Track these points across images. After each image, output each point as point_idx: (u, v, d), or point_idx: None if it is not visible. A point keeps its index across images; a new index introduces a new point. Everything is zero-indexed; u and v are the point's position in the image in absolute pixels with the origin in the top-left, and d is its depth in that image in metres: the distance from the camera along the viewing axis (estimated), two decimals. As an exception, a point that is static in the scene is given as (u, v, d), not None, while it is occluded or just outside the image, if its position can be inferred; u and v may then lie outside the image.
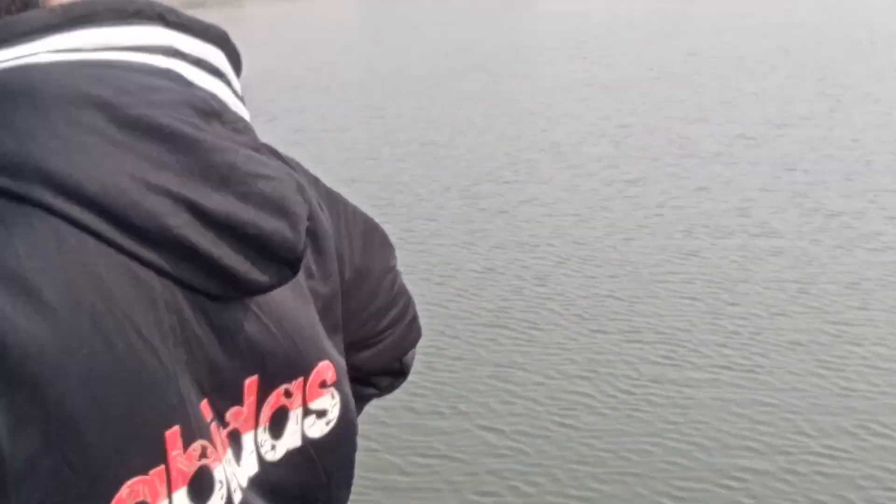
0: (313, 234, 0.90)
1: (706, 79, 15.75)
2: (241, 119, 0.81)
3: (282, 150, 0.92)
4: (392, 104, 15.31)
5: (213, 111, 0.77)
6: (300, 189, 0.81)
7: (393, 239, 1.18)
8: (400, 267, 1.19)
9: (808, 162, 10.54)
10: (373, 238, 1.08)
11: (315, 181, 0.99)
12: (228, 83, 0.82)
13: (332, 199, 1.02)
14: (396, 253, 1.17)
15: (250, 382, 0.82)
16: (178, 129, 0.73)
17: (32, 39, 0.72)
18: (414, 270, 7.64)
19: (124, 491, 0.71)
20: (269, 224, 0.76)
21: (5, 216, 0.68)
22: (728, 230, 8.55)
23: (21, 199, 0.68)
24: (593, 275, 7.71)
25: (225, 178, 0.74)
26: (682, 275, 7.61)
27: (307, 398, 0.89)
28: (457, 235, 8.80)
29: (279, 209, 0.77)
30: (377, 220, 1.14)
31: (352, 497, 1.01)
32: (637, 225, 8.84)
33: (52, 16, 0.73)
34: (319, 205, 0.95)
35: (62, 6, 0.75)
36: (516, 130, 13.05)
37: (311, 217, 0.87)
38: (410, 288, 1.20)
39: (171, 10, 0.78)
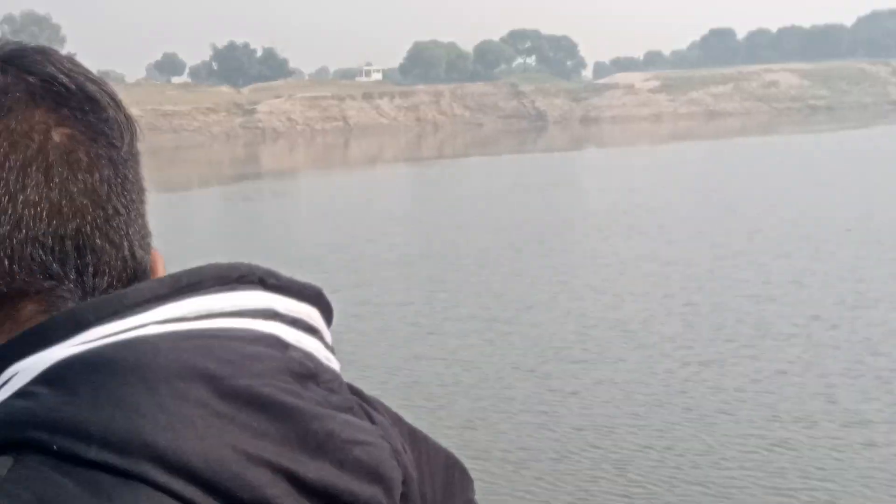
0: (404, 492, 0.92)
1: (771, 257, 15.56)
2: (335, 377, 0.84)
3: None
4: (452, 277, 15.26)
5: (309, 373, 0.80)
6: (395, 453, 0.84)
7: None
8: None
9: (890, 346, 10.20)
10: (453, 474, 1.08)
11: (398, 420, 1.01)
12: (321, 338, 0.86)
13: (414, 437, 1.04)
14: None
15: None
16: (278, 399, 0.75)
17: (142, 311, 0.75)
18: (489, 455, 7.29)
19: None
20: (365, 491, 0.78)
21: (112, 493, 0.69)
22: (815, 418, 8.18)
23: (127, 474, 0.69)
24: (677, 464, 7.35)
25: (322, 445, 0.76)
26: (772, 465, 7.24)
27: None
28: (529, 418, 8.48)
29: (375, 476, 0.79)
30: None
31: None
32: (717, 410, 8.51)
33: (161, 287, 0.77)
34: (403, 447, 0.95)
35: (171, 276, 0.78)
36: (581, 307, 12.87)
37: (405, 481, 0.88)
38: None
39: (271, 274, 0.83)
